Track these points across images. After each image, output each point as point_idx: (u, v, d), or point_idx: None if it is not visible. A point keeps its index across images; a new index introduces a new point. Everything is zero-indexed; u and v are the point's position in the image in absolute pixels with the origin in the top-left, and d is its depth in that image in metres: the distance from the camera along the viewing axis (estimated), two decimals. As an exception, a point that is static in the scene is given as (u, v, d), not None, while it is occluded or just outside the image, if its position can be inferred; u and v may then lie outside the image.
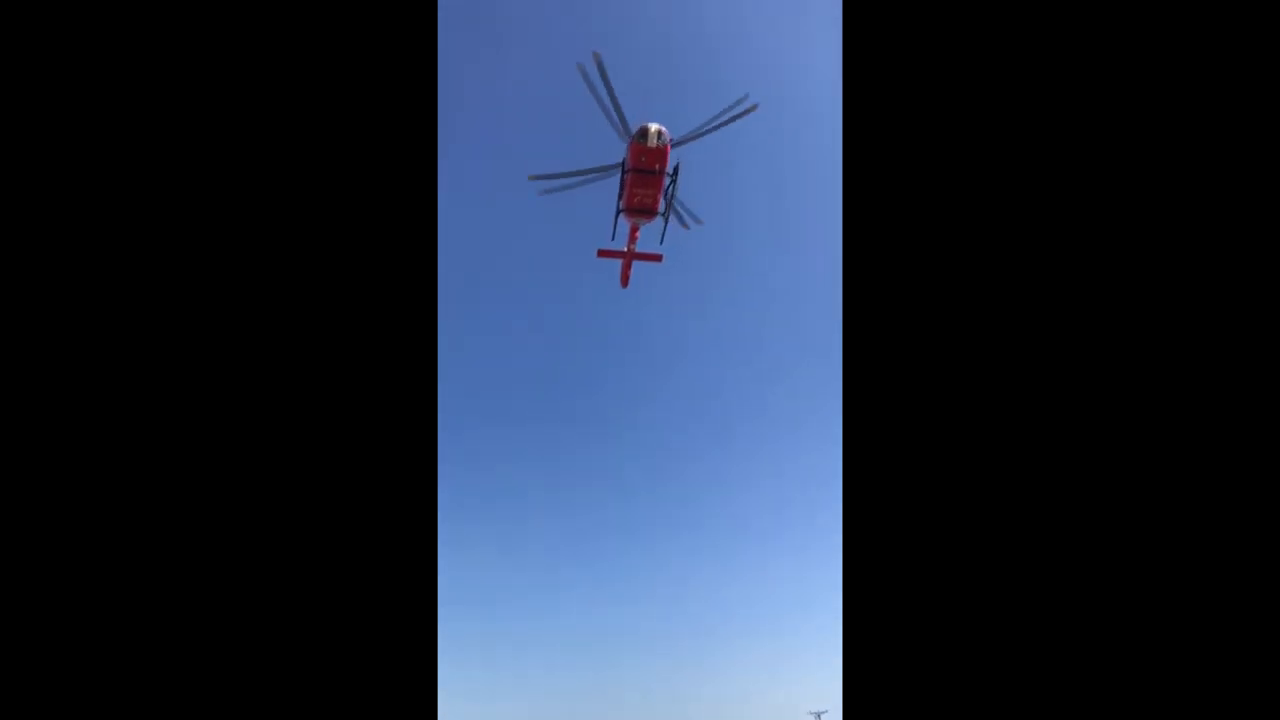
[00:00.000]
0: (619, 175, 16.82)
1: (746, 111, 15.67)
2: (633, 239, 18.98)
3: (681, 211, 18.01)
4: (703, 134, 15.89)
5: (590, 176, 17.04)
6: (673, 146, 16.03)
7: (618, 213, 17.54)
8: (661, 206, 17.17)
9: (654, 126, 15.35)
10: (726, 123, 15.79)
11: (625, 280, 20.41)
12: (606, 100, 14.65)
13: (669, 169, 16.18)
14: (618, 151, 16.54)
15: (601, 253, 19.61)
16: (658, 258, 19.37)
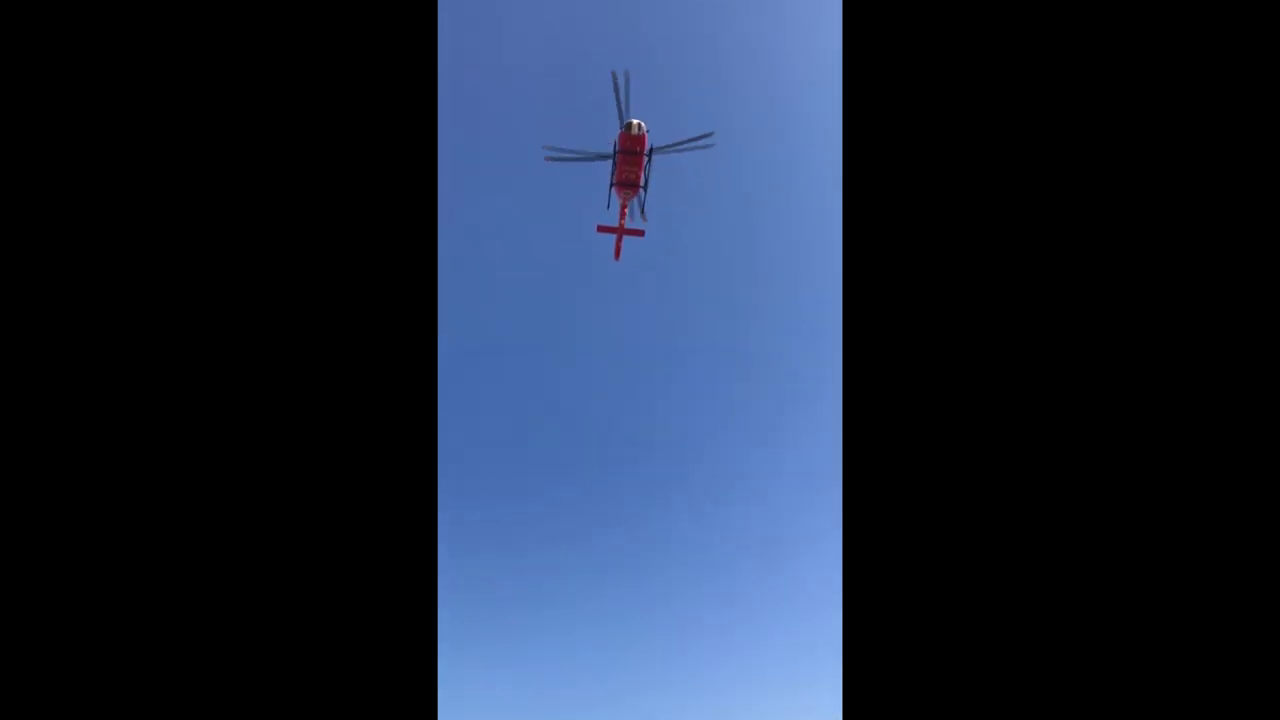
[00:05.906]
0: (611, 160, 23.55)
1: (705, 146, 22.29)
2: (622, 216, 24.60)
3: (641, 207, 24.44)
4: (668, 151, 22.52)
5: (592, 158, 23.32)
6: (650, 152, 22.78)
7: (610, 186, 23.81)
8: (642, 181, 23.73)
9: (636, 120, 21.92)
10: (687, 149, 22.35)
11: (618, 253, 25.57)
12: (623, 104, 21.27)
13: (646, 151, 22.83)
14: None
15: (600, 228, 25.01)
16: (640, 233, 25.08)
